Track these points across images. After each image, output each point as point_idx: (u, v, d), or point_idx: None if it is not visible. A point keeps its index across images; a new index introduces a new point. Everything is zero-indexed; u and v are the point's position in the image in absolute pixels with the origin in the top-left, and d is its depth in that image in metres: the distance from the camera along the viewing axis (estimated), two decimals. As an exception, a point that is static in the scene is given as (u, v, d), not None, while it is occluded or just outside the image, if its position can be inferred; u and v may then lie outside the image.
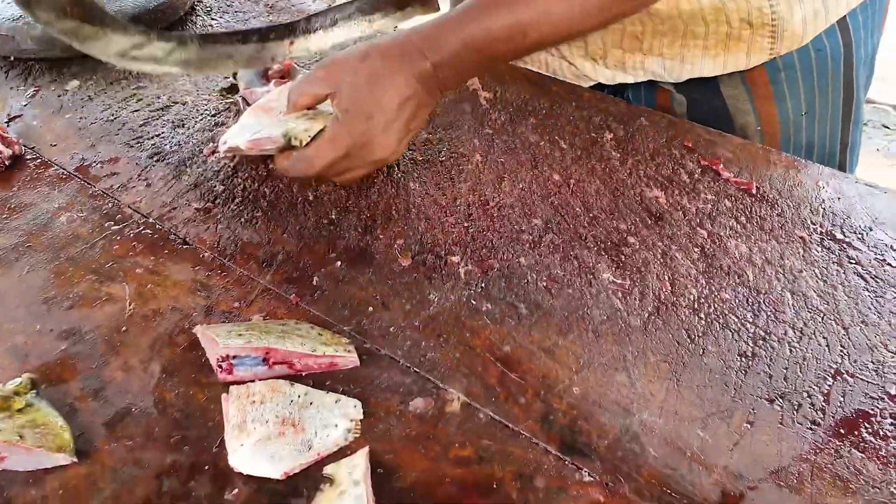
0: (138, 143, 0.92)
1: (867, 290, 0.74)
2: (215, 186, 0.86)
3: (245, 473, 0.59)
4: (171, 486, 0.59)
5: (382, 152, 0.77)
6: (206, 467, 0.60)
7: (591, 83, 1.02)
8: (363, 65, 0.77)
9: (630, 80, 1.00)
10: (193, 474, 0.60)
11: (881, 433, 0.62)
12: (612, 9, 0.79)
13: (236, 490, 0.59)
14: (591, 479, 0.60)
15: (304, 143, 0.76)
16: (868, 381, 0.66)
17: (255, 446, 0.60)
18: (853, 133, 1.04)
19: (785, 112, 0.98)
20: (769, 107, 0.98)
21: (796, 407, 0.64)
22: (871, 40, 1.00)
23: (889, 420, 0.63)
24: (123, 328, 0.71)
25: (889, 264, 0.76)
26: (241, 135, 0.78)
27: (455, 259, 0.77)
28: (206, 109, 0.97)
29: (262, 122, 0.80)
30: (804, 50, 0.94)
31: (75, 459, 0.60)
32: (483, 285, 0.74)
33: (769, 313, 0.71)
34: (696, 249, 0.77)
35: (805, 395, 0.65)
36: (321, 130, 0.76)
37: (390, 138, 0.77)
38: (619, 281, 0.75)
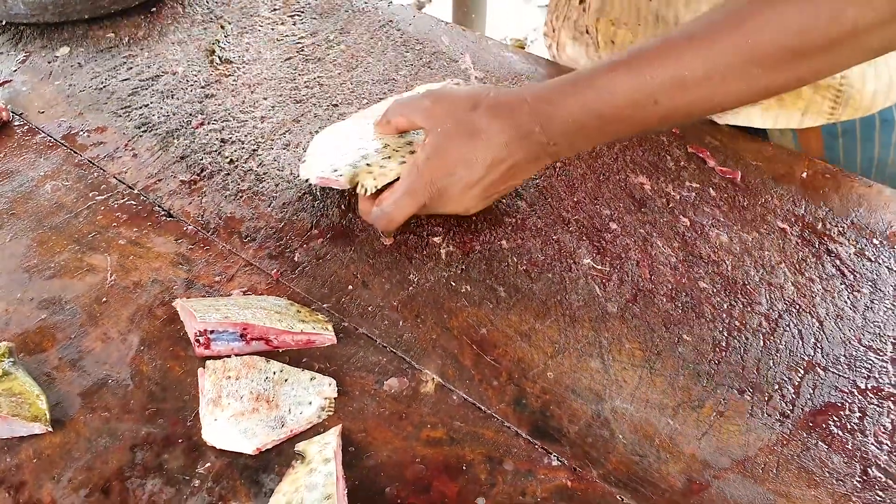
0: (126, 112, 0.92)
1: (844, 283, 0.74)
2: (202, 159, 0.86)
3: (218, 448, 0.60)
4: (144, 457, 0.60)
5: (455, 207, 0.75)
6: (180, 440, 0.61)
7: None
8: (468, 115, 0.72)
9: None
10: (167, 447, 0.61)
11: (848, 426, 0.63)
12: (759, 82, 0.65)
13: (209, 464, 0.60)
14: (560, 463, 0.60)
15: (368, 192, 0.74)
16: (839, 375, 0.67)
17: (228, 421, 0.61)
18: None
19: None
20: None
21: (767, 398, 0.65)
22: None
23: (857, 414, 0.64)
24: (104, 299, 0.71)
25: (868, 258, 0.76)
26: (315, 164, 0.78)
27: (437, 240, 0.77)
28: (196, 80, 0.96)
29: (340, 149, 0.78)
30: (869, 118, 0.91)
31: (50, 429, 0.61)
32: (463, 267, 0.75)
33: (745, 304, 0.72)
34: (676, 237, 0.78)
35: (776, 386, 0.66)
36: (390, 183, 0.74)
37: (466, 198, 0.73)
38: (598, 267, 0.75)
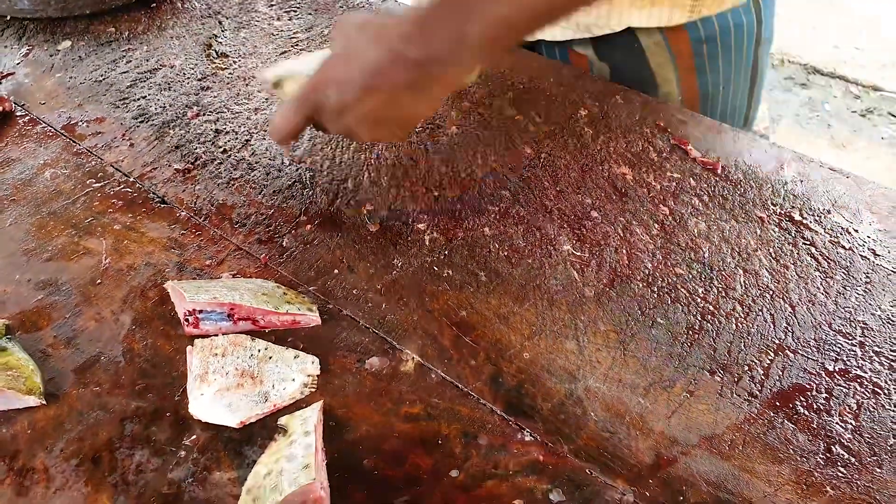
0: (124, 103, 0.94)
1: (818, 270, 0.76)
2: (196, 149, 0.88)
3: (204, 421, 0.63)
4: (133, 429, 0.62)
5: (338, 128, 0.72)
6: (168, 414, 0.63)
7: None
8: (356, 38, 0.71)
9: (551, 37, 1.02)
10: (155, 420, 0.63)
11: (815, 406, 0.65)
12: None
13: (194, 436, 0.62)
14: (532, 438, 0.62)
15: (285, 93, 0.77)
16: (808, 358, 0.68)
17: (214, 396, 0.63)
18: (753, 111, 1.12)
19: (705, 85, 1.03)
20: (691, 79, 1.03)
21: (736, 379, 0.67)
22: (772, 21, 1.06)
23: (824, 395, 0.66)
24: (98, 281, 0.74)
25: (842, 246, 0.78)
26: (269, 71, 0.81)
27: (421, 227, 0.79)
28: (193, 73, 0.99)
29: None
30: (724, 25, 0.99)
31: (44, 402, 0.64)
32: (446, 252, 0.77)
33: (720, 289, 0.74)
34: (656, 225, 0.80)
35: (746, 368, 0.68)
36: None
37: (347, 119, 0.71)
38: (577, 253, 0.77)
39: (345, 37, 0.72)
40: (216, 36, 1.05)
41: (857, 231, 0.80)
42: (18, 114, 0.93)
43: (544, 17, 0.69)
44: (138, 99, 0.95)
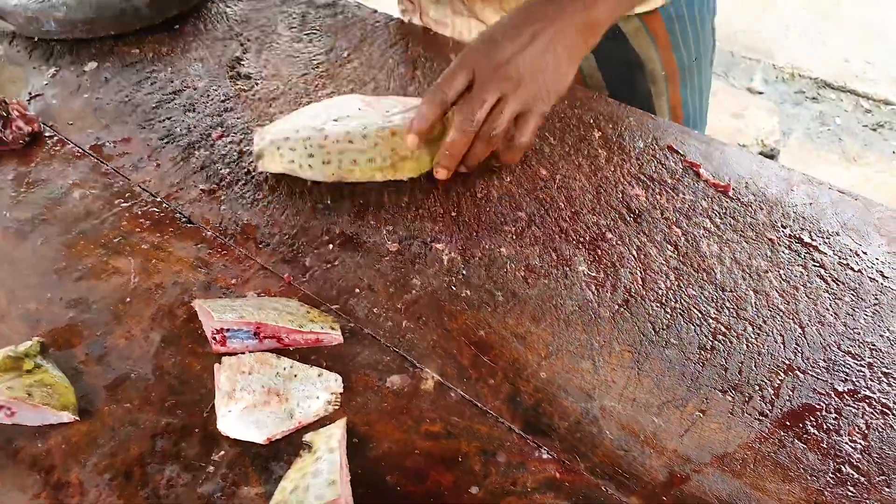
0: (150, 124, 0.97)
1: (828, 292, 0.78)
2: (221, 169, 0.91)
3: (232, 437, 0.65)
4: (163, 445, 0.65)
5: (513, 70, 0.81)
6: (197, 430, 0.66)
7: None
8: (492, 25, 0.85)
9: None
10: (184, 436, 0.65)
11: (824, 426, 0.67)
12: None
13: (223, 452, 0.64)
14: (550, 456, 0.64)
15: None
16: (818, 378, 0.70)
17: (241, 413, 0.65)
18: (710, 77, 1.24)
19: (681, 59, 1.12)
20: (669, 54, 1.11)
21: (747, 398, 0.69)
22: None
23: (833, 415, 0.68)
24: (127, 299, 0.76)
25: (851, 268, 0.80)
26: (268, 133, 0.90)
27: (440, 246, 0.82)
28: (217, 95, 1.02)
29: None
30: (689, 3, 1.10)
31: (78, 418, 0.66)
32: (464, 272, 0.79)
33: (731, 310, 0.76)
34: (669, 247, 0.82)
35: (756, 387, 0.69)
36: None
37: (518, 60, 0.81)
38: (593, 273, 0.79)
39: (486, 29, 0.84)
40: (238, 58, 1.08)
41: (865, 253, 0.81)
42: (47, 134, 0.96)
43: None
44: (163, 120, 0.98)
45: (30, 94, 1.02)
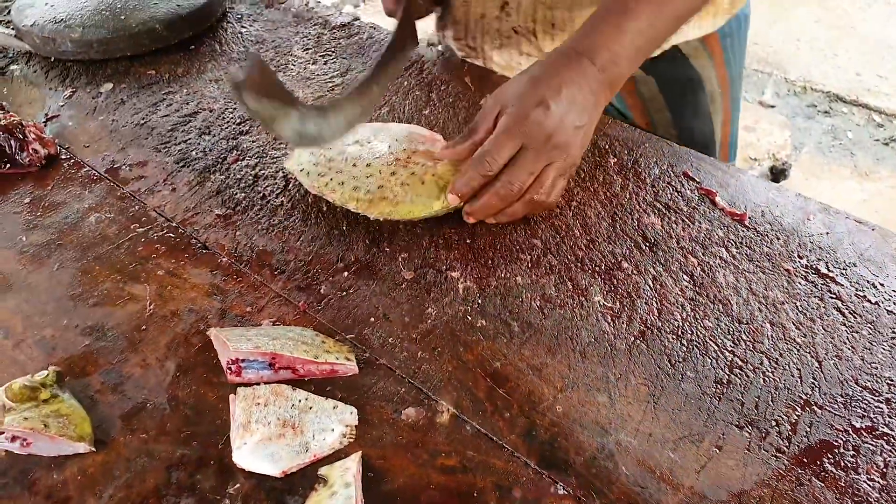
0: (166, 147, 0.97)
1: (845, 325, 0.77)
2: (236, 194, 0.91)
3: (247, 470, 0.65)
4: (178, 477, 0.65)
5: (563, 138, 0.81)
6: (212, 462, 0.66)
7: None
8: (524, 76, 0.85)
9: None
10: (200, 468, 0.65)
11: (842, 464, 0.66)
12: None
13: (238, 485, 0.64)
14: (566, 492, 0.64)
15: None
16: (835, 414, 0.70)
17: (256, 445, 0.65)
18: None
19: (731, 72, 1.13)
20: (723, 70, 1.12)
21: (764, 434, 0.68)
22: None
23: (851, 452, 0.67)
24: (143, 327, 0.76)
25: (868, 300, 0.79)
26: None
27: (455, 275, 0.82)
28: (232, 118, 1.02)
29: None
30: (738, 17, 1.11)
31: (93, 448, 0.66)
32: (479, 302, 0.79)
33: (748, 342, 0.75)
34: (685, 277, 0.82)
35: (773, 423, 0.69)
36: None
37: (566, 126, 0.81)
38: (609, 304, 0.79)
39: (519, 87, 0.84)
40: (253, 79, 1.08)
41: (882, 285, 0.81)
42: (63, 157, 0.96)
43: (675, 25, 0.89)
44: (179, 143, 0.98)
45: (46, 115, 1.03)
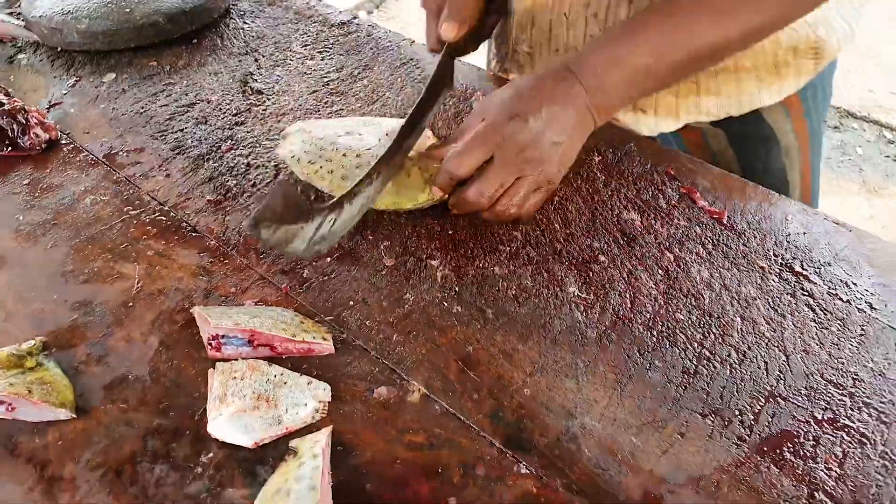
0: (162, 136, 1.00)
1: (815, 321, 0.79)
2: (228, 181, 0.94)
3: (221, 440, 0.67)
4: (154, 445, 0.67)
5: (536, 153, 0.81)
6: (188, 432, 0.68)
7: None
8: (512, 86, 0.85)
9: (675, 126, 1.05)
10: (176, 437, 0.68)
11: (801, 453, 0.68)
12: (753, 23, 0.82)
13: (211, 454, 0.66)
14: (528, 471, 0.66)
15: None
16: (798, 405, 0.71)
17: (231, 417, 0.67)
18: None
19: (812, 123, 1.08)
20: (801, 122, 1.07)
21: (726, 423, 0.70)
22: None
23: (811, 442, 0.69)
24: (130, 304, 0.79)
25: (840, 298, 0.81)
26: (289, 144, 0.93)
27: (434, 263, 0.84)
28: (229, 109, 1.05)
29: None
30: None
31: (75, 415, 0.68)
32: (456, 289, 0.81)
33: (717, 335, 0.77)
34: (660, 271, 0.83)
35: (737, 412, 0.71)
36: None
37: (542, 142, 0.81)
38: (583, 295, 0.81)
39: (503, 96, 0.84)
40: (252, 73, 1.11)
41: (855, 284, 0.82)
42: (63, 142, 0.99)
43: (681, 72, 0.87)
44: (176, 132, 1.01)
45: (49, 102, 1.06)
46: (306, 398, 0.70)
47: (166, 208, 0.90)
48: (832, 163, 3.27)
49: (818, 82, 1.06)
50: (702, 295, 0.81)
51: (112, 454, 0.66)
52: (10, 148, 0.95)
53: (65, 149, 0.98)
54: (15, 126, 0.96)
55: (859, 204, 3.09)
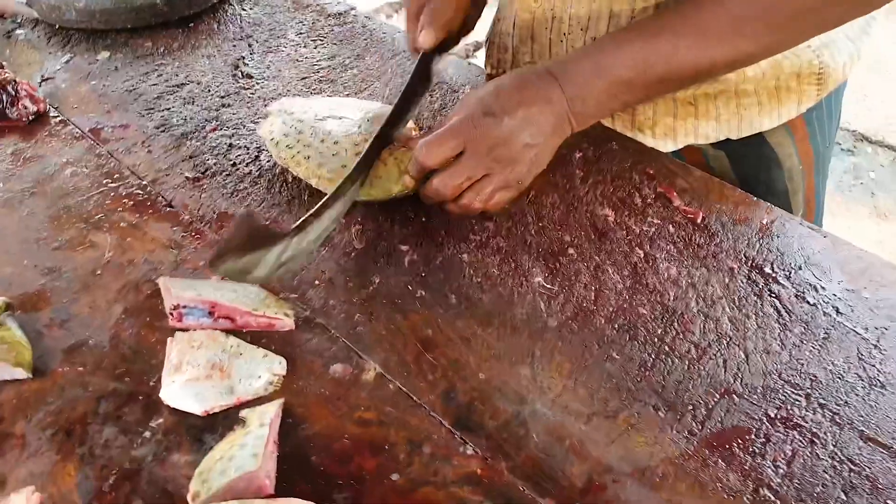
0: (149, 113, 1.02)
1: (779, 322, 0.78)
2: (208, 160, 0.95)
3: (172, 407, 0.68)
4: (106, 408, 0.68)
5: (506, 152, 0.81)
6: (141, 398, 0.69)
7: None
8: (494, 83, 0.85)
9: (674, 147, 1.04)
10: (128, 402, 0.68)
11: (751, 449, 0.68)
12: (739, 49, 0.82)
13: (161, 420, 0.67)
14: (474, 452, 0.66)
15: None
16: (753, 403, 0.71)
17: (184, 384, 0.68)
18: None
19: (816, 147, 1.06)
20: (806, 146, 1.05)
21: (679, 416, 0.70)
22: None
23: (762, 439, 0.68)
24: (98, 272, 0.80)
25: (807, 302, 0.81)
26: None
27: (404, 248, 0.84)
28: (217, 91, 1.06)
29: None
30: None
31: (31, 376, 0.70)
32: (423, 274, 0.81)
33: (678, 331, 0.77)
34: (628, 267, 0.83)
35: (690, 407, 0.71)
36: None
37: (514, 142, 0.81)
38: (548, 286, 0.81)
39: (483, 92, 0.84)
40: (244, 58, 1.12)
41: (824, 288, 0.82)
42: (52, 115, 1.01)
43: (662, 89, 0.88)
44: (163, 110, 1.02)
45: (42, 76, 1.08)
46: (261, 370, 0.71)
47: (144, 183, 0.91)
48: (843, 186, 3.25)
49: (825, 105, 1.04)
50: (667, 292, 0.81)
51: (64, 415, 0.67)
52: (-3, 118, 0.97)
53: (52, 122, 1.00)
54: (4, 97, 0.97)
55: (869, 228, 3.06)
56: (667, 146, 1.04)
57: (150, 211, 0.87)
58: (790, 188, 1.07)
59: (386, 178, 0.87)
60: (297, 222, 0.78)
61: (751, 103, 0.99)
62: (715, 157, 1.05)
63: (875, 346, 0.76)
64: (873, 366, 0.75)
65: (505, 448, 0.67)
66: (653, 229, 0.88)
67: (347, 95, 1.06)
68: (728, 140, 1.02)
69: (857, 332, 0.77)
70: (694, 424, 0.69)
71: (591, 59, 0.84)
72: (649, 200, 0.92)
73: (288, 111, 0.93)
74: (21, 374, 0.69)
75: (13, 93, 0.97)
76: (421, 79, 0.94)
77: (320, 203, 0.79)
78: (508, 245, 0.85)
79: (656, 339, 0.76)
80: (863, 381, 0.73)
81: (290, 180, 0.92)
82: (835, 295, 0.81)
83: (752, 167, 1.05)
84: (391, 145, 0.89)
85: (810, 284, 0.83)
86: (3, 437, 0.65)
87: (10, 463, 0.64)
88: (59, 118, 1.00)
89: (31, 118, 0.98)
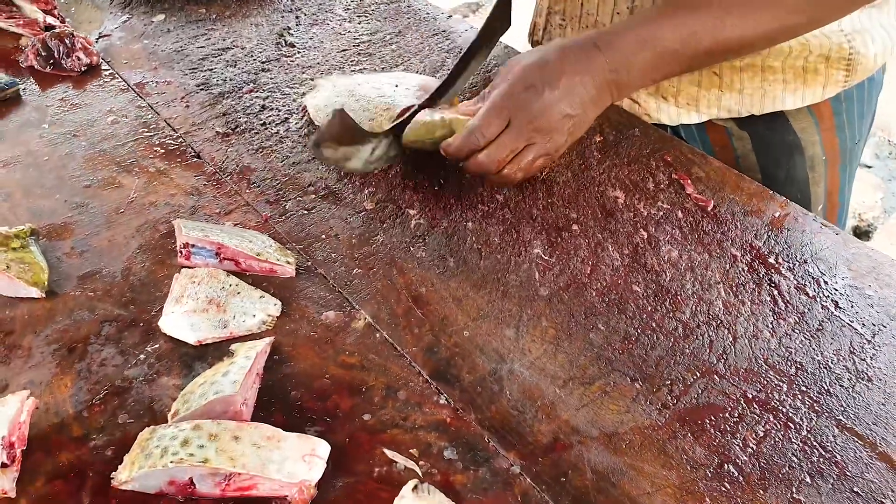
0: (192, 73, 1.07)
1: (773, 311, 0.78)
2: (240, 118, 0.99)
3: (168, 335, 0.72)
4: (109, 331, 0.72)
5: (545, 123, 0.82)
6: (142, 325, 0.73)
7: (651, 122, 1.05)
8: (537, 52, 0.86)
9: (697, 119, 1.05)
10: (129, 327, 0.73)
11: (722, 427, 0.68)
12: (785, 22, 0.83)
13: (157, 346, 0.71)
14: (446, 402, 0.68)
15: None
16: (732, 384, 0.71)
17: (182, 315, 0.72)
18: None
19: (844, 141, 1.06)
20: (832, 137, 1.05)
21: (655, 389, 0.71)
22: None
23: (735, 418, 0.69)
24: (122, 210, 0.85)
25: (806, 294, 0.80)
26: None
27: (412, 212, 0.87)
28: (259, 56, 1.11)
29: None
30: (862, 82, 1.02)
31: (44, 296, 0.75)
32: (426, 237, 0.84)
33: (668, 310, 0.78)
34: (629, 246, 0.84)
35: (668, 382, 0.71)
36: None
37: (553, 113, 0.82)
38: (546, 257, 0.83)
39: (527, 62, 0.85)
40: (289, 28, 1.17)
41: (826, 283, 0.82)
42: (103, 68, 1.07)
43: (706, 61, 0.89)
44: (205, 70, 1.07)
45: (100, 33, 1.14)
46: (255, 310, 0.74)
47: (177, 134, 0.96)
48: (890, 199, 3.13)
49: (855, 98, 1.04)
50: (664, 272, 0.82)
51: (69, 333, 0.72)
52: (52, 66, 1.03)
53: (103, 74, 1.06)
54: (61, 48, 1.04)
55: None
56: (690, 118, 1.04)
57: (179, 160, 0.92)
58: (811, 177, 1.07)
59: (431, 123, 0.88)
60: (387, 127, 0.88)
61: (776, 80, 0.99)
62: (739, 138, 1.05)
63: (869, 342, 0.76)
64: (863, 360, 0.74)
65: (477, 402, 0.69)
66: (661, 213, 0.89)
67: (383, 69, 1.10)
68: (753, 120, 1.02)
69: (853, 327, 0.77)
70: (669, 398, 0.70)
71: (636, 31, 0.84)
72: (662, 186, 0.92)
73: (334, 84, 0.98)
74: (36, 293, 0.74)
75: (69, 45, 1.04)
76: (500, 19, 0.98)
77: (404, 117, 0.89)
78: (514, 217, 0.87)
79: (644, 315, 0.77)
80: (850, 373, 0.73)
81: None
82: (836, 290, 0.81)
83: (774, 151, 1.05)
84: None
85: (813, 278, 0.82)
86: (11, 348, 0.70)
87: (14, 371, 0.69)
88: (109, 72, 1.06)
89: (83, 69, 1.04)
